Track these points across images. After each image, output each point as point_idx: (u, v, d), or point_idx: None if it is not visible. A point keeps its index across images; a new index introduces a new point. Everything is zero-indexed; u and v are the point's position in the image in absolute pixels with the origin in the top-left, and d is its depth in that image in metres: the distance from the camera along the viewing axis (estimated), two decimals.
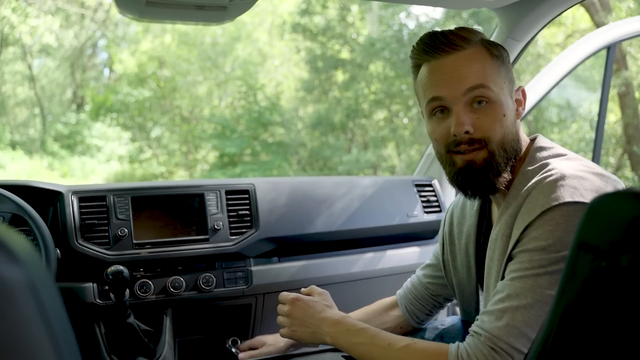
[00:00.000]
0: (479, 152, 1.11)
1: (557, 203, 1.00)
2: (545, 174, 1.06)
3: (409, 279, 1.56)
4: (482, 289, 1.23)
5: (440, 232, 1.46)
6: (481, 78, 1.10)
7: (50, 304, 0.48)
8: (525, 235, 1.04)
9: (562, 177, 1.02)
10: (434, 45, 1.13)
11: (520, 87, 1.21)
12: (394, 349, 1.14)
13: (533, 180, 1.07)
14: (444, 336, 1.47)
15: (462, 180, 1.15)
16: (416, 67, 1.19)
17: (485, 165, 1.11)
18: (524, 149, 1.18)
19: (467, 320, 1.41)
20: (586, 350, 0.62)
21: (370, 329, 1.20)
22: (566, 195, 1.00)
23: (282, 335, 1.34)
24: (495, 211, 1.25)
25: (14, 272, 0.45)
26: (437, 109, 1.14)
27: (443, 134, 1.14)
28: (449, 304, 1.54)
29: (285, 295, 1.35)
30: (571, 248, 0.65)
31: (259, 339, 1.63)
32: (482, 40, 1.14)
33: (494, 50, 1.14)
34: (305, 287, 1.41)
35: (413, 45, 1.18)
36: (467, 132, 1.09)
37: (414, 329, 1.53)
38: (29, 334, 0.45)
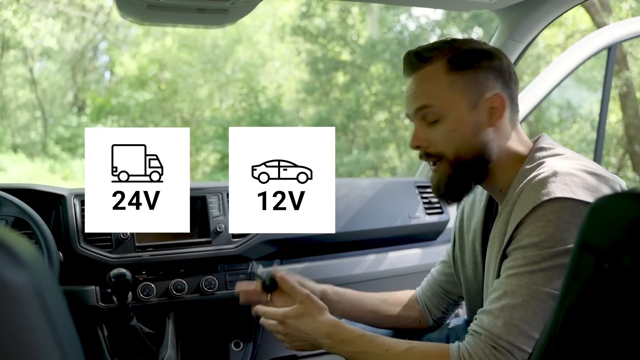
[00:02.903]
0: (440, 166, 1.20)
1: (547, 198, 1.01)
2: (538, 172, 1.08)
3: (425, 278, 1.55)
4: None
5: (452, 228, 1.47)
6: (427, 98, 1.17)
7: (55, 307, 0.48)
8: (518, 232, 1.06)
9: (554, 174, 1.04)
10: (404, 66, 1.23)
11: (495, 93, 1.16)
12: (392, 354, 1.13)
13: (527, 178, 1.09)
14: (450, 336, 1.47)
15: (435, 190, 1.24)
16: None
17: (447, 178, 1.19)
18: (524, 151, 1.19)
19: (472, 320, 1.41)
20: (589, 351, 0.62)
21: (365, 336, 1.18)
22: (557, 190, 1.01)
23: (289, 348, 1.32)
24: (499, 208, 1.27)
25: (19, 276, 0.45)
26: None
27: None
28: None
29: (272, 314, 1.30)
30: (574, 249, 0.65)
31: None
32: (449, 53, 1.17)
33: (459, 63, 1.16)
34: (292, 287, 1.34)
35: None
36: (418, 147, 1.20)
37: (430, 327, 1.52)
38: (35, 337, 0.46)
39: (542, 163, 1.11)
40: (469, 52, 1.18)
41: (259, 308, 1.34)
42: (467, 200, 1.42)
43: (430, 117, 1.17)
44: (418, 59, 1.18)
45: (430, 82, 1.17)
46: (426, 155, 1.21)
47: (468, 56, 1.17)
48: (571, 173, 1.04)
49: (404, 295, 1.54)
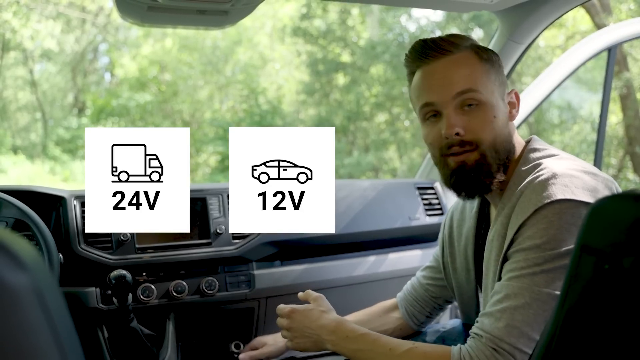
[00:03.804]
0: (470, 154, 1.14)
1: (549, 201, 1.01)
2: (537, 174, 1.08)
3: (409, 281, 1.56)
4: (482, 290, 1.24)
5: (440, 235, 1.47)
6: (470, 82, 1.12)
7: (56, 309, 0.48)
8: (519, 234, 1.06)
9: (554, 176, 1.04)
10: (424, 52, 1.17)
11: (512, 90, 1.22)
12: (395, 354, 1.14)
13: (526, 180, 1.09)
14: (445, 339, 1.47)
15: (455, 181, 1.17)
16: (410, 74, 1.23)
17: (477, 167, 1.14)
18: (518, 151, 1.20)
19: (468, 323, 1.41)
20: (590, 352, 0.62)
21: (369, 335, 1.20)
22: (558, 193, 1.01)
23: (289, 348, 1.36)
24: (493, 213, 1.26)
25: (19, 278, 0.45)
26: (430, 114, 1.17)
27: (436, 138, 1.17)
28: (450, 306, 1.54)
29: (281, 308, 1.36)
30: (574, 250, 0.65)
31: (259, 339, 1.63)
32: (471, 45, 1.18)
33: (484, 54, 1.17)
34: (306, 291, 1.41)
35: (406, 53, 1.23)
36: (457, 134, 1.12)
37: (414, 332, 1.53)
38: (35, 339, 0.46)
39: (539, 164, 1.12)
40: (487, 48, 1.19)
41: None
42: (455, 207, 1.42)
43: (470, 102, 1.13)
44: (445, 43, 1.15)
45: (468, 67, 1.14)
46: (460, 144, 1.13)
47: (488, 50, 1.19)
48: (570, 174, 1.04)
49: (380, 309, 1.57)
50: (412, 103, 1.25)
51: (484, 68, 1.15)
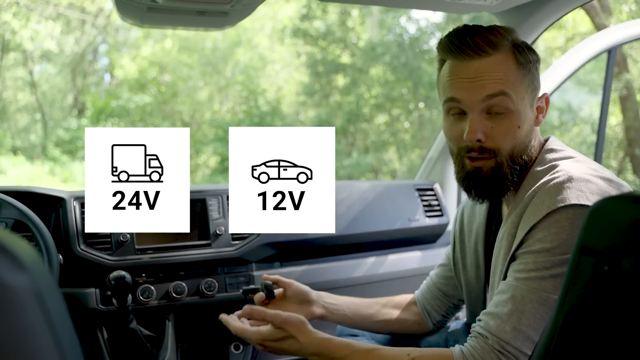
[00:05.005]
0: (487, 161, 1.12)
1: (562, 205, 1.00)
2: (552, 176, 1.06)
3: (424, 280, 1.54)
4: (490, 289, 1.23)
5: (451, 231, 1.46)
6: (503, 85, 1.09)
7: (55, 310, 0.48)
8: (530, 236, 1.05)
9: (569, 180, 1.02)
10: (460, 47, 1.11)
11: (544, 94, 1.19)
12: None
13: (540, 181, 1.08)
14: (448, 340, 1.46)
15: (468, 183, 1.16)
16: (441, 61, 1.18)
17: (492, 174, 1.13)
18: (537, 152, 1.18)
19: (472, 323, 1.40)
20: (589, 354, 0.62)
21: (359, 351, 1.11)
22: (572, 197, 1.00)
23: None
24: (505, 210, 1.26)
25: (19, 279, 0.45)
26: (454, 110, 1.14)
27: (457, 136, 1.15)
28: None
29: (249, 337, 1.22)
30: (573, 252, 0.65)
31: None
32: (513, 42, 1.13)
33: (522, 58, 1.12)
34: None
35: (441, 39, 1.16)
36: (478, 140, 1.10)
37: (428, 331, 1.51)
38: (35, 340, 0.46)
39: (555, 166, 1.10)
40: (527, 47, 1.15)
41: (235, 326, 1.25)
42: (466, 203, 1.42)
43: (498, 108, 1.09)
44: (485, 43, 1.09)
45: (504, 71, 1.09)
46: (479, 150, 1.12)
47: (528, 51, 1.14)
48: (586, 179, 1.02)
49: (403, 299, 1.53)
50: (438, 91, 1.21)
51: (520, 74, 1.11)
